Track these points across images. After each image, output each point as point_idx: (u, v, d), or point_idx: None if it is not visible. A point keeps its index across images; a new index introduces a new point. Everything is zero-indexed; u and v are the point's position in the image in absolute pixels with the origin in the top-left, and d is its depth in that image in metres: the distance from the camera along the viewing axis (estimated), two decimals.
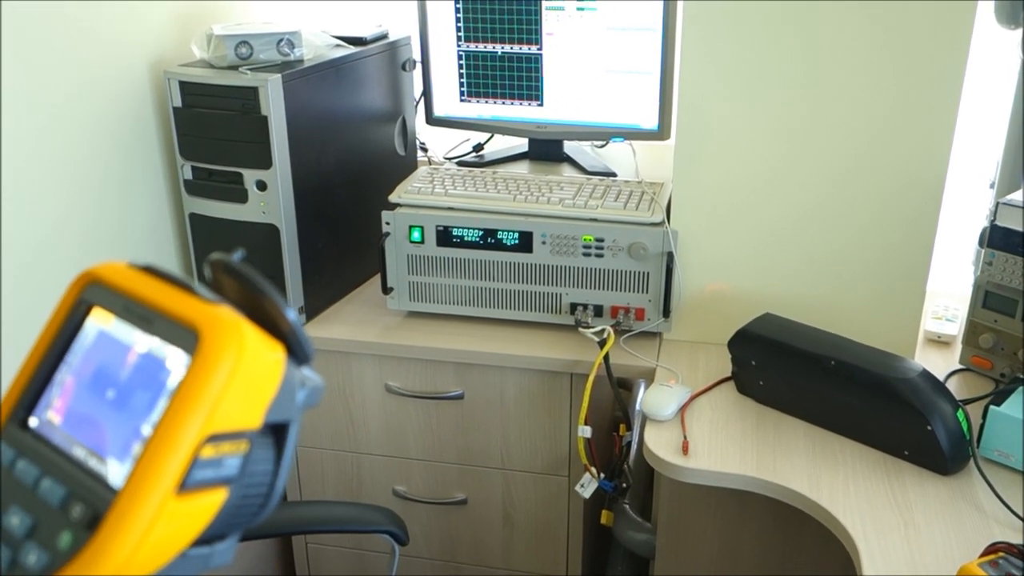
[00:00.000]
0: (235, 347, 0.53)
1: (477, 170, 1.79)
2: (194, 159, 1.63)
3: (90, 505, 0.52)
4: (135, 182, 1.65)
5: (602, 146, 2.02)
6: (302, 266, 1.68)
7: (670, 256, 1.57)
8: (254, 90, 1.53)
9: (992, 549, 1.03)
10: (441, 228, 1.64)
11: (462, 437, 1.74)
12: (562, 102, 1.87)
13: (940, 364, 1.59)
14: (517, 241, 1.62)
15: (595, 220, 1.60)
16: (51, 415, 0.58)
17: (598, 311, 1.64)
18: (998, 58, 1.68)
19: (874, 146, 1.47)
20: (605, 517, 1.67)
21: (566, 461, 1.71)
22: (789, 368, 1.40)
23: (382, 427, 1.77)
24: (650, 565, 1.65)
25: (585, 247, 1.60)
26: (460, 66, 1.89)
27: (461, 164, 1.96)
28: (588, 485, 1.62)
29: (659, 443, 1.37)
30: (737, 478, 1.30)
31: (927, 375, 1.29)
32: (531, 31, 1.82)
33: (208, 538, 0.55)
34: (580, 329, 1.61)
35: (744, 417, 1.43)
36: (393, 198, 1.69)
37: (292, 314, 0.56)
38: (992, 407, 1.30)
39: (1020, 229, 1.42)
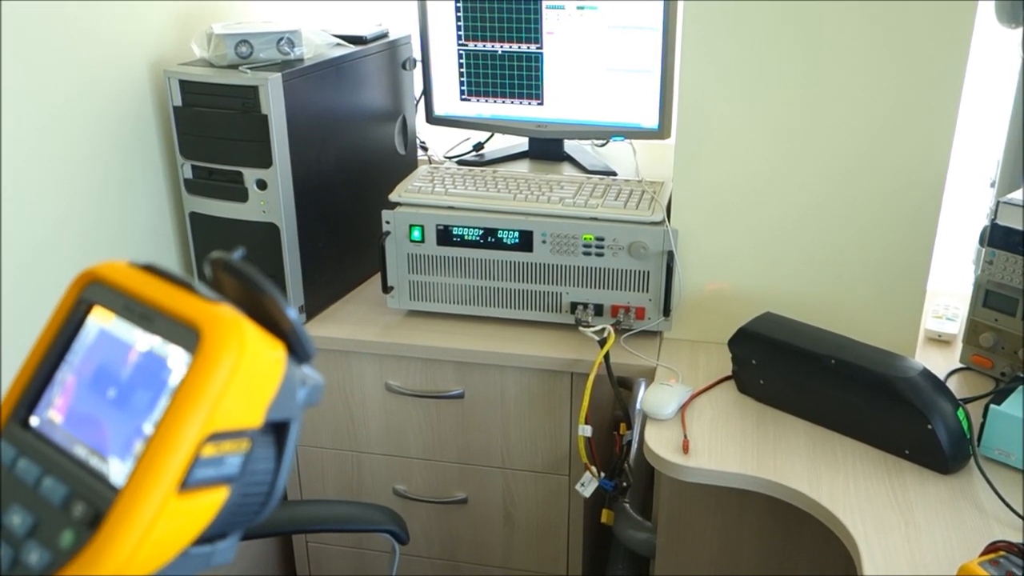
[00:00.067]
0: (236, 346, 0.53)
1: (477, 169, 1.79)
2: (194, 158, 1.63)
3: (92, 504, 0.52)
4: (135, 181, 1.65)
5: (602, 145, 2.02)
6: (302, 265, 1.68)
7: (670, 255, 1.57)
8: (254, 89, 1.53)
9: (992, 548, 1.03)
10: (441, 227, 1.64)
11: (462, 436, 1.74)
12: (562, 101, 1.87)
13: (940, 363, 1.59)
14: (517, 240, 1.62)
15: (595, 219, 1.60)
16: (52, 414, 0.58)
17: (598, 310, 1.64)
18: (998, 58, 1.68)
19: (874, 146, 1.47)
20: (605, 516, 1.67)
21: (566, 460, 1.71)
22: (789, 367, 1.40)
23: (382, 426, 1.77)
24: (650, 564, 1.65)
25: (585, 246, 1.60)
26: (460, 65, 1.89)
27: (461, 163, 1.96)
28: (588, 484, 1.62)
29: (659, 442, 1.37)
30: (737, 477, 1.30)
31: (927, 374, 1.29)
32: (531, 30, 1.82)
33: (209, 537, 0.55)
34: (580, 328, 1.61)
35: (744, 416, 1.43)
36: (393, 197, 1.69)
37: (293, 313, 0.56)
38: (992, 406, 1.30)
39: (1021, 228, 1.42)
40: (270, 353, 0.55)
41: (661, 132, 1.83)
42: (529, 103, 1.89)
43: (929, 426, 1.25)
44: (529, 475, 1.75)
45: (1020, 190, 1.47)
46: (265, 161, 1.57)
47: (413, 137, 2.01)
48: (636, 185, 1.68)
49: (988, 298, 1.49)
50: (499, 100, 1.90)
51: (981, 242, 1.49)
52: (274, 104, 1.54)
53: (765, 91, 1.48)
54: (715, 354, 1.60)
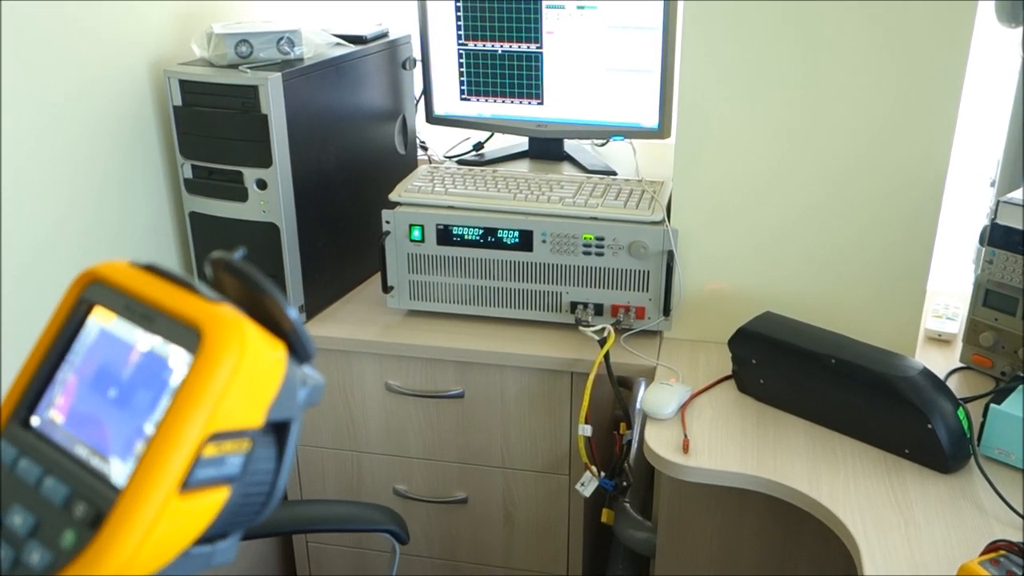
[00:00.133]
0: (237, 346, 0.53)
1: (477, 169, 1.79)
2: (194, 158, 1.63)
3: (93, 504, 0.52)
4: (135, 181, 1.65)
5: (602, 145, 2.02)
6: (302, 265, 1.68)
7: (670, 255, 1.57)
8: (254, 89, 1.53)
9: (993, 547, 1.03)
10: (441, 227, 1.64)
11: (462, 436, 1.74)
12: (562, 101, 1.87)
13: (940, 362, 1.59)
14: (517, 240, 1.62)
15: (595, 219, 1.60)
16: (53, 414, 0.58)
17: (598, 310, 1.64)
18: (998, 58, 1.68)
19: (874, 146, 1.47)
20: (606, 516, 1.67)
21: (566, 460, 1.71)
22: (789, 367, 1.40)
23: (382, 426, 1.77)
24: (650, 564, 1.65)
25: (585, 246, 1.60)
26: (460, 64, 1.89)
27: (461, 163, 1.96)
28: (588, 484, 1.62)
29: (659, 442, 1.37)
30: (737, 476, 1.31)
31: (928, 373, 1.29)
32: (531, 29, 1.82)
33: (210, 537, 0.55)
34: (580, 328, 1.61)
35: (744, 416, 1.43)
36: (393, 197, 1.69)
37: (293, 312, 0.56)
38: (993, 405, 1.30)
39: (1021, 227, 1.42)
40: (271, 353, 0.55)
41: (661, 132, 1.83)
42: (529, 103, 1.89)
43: (929, 425, 1.26)
44: (529, 475, 1.75)
45: (1020, 189, 1.47)
46: (265, 161, 1.57)
47: (413, 137, 2.01)
48: (636, 185, 1.68)
49: (988, 297, 1.49)
50: (499, 100, 1.90)
51: (981, 241, 1.49)
52: (274, 104, 1.54)
53: (765, 91, 1.48)
54: (715, 354, 1.60)
